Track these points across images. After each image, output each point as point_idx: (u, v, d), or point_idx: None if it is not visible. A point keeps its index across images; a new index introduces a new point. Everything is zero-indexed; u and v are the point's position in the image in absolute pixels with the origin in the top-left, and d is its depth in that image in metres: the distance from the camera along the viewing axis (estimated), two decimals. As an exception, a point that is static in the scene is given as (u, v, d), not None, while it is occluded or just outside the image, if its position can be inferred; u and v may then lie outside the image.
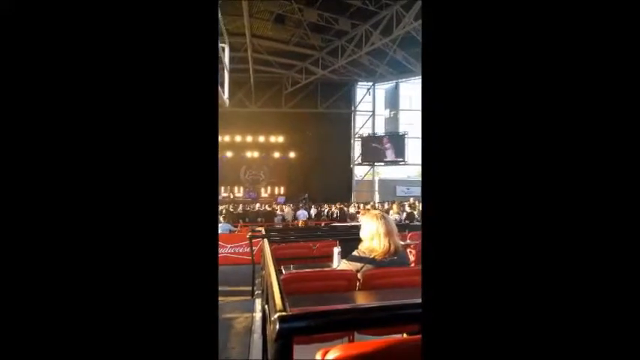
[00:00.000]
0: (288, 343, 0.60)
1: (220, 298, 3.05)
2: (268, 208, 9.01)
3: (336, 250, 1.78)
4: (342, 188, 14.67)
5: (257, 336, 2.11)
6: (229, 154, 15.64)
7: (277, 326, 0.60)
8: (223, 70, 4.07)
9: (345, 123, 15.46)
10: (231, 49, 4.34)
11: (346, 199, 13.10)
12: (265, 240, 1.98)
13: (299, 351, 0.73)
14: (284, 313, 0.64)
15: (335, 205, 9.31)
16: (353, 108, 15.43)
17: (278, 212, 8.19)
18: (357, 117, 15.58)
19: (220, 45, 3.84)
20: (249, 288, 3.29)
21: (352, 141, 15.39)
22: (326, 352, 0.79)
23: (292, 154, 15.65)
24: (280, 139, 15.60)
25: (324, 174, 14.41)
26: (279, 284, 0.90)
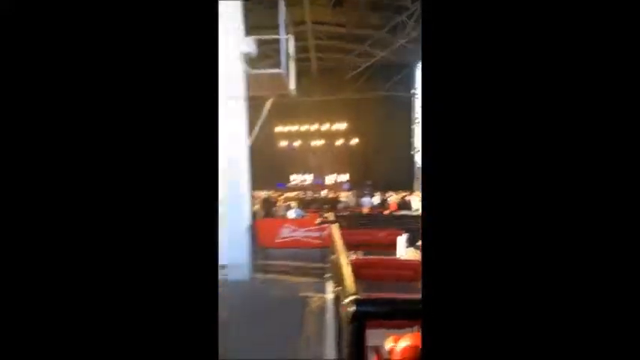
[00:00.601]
0: (361, 326, 0.63)
1: (295, 278, 3.29)
2: (334, 195, 9.17)
3: (402, 238, 1.74)
4: (403, 175, 14.09)
5: (330, 316, 2.21)
6: (297, 142, 16.33)
7: (351, 309, 0.63)
8: (289, 60, 4.21)
9: (405, 107, 14.65)
10: (295, 39, 4.45)
11: (408, 187, 12.56)
12: (334, 226, 2.04)
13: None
14: (358, 297, 0.66)
15: (397, 193, 9.03)
16: (413, 91, 14.49)
17: (342, 199, 8.28)
18: (417, 101, 14.58)
19: (286, 36, 3.98)
20: (320, 270, 3.45)
21: (412, 126, 14.50)
22: (397, 339, 0.80)
23: (355, 141, 15.52)
24: (343, 125, 15.58)
25: (386, 160, 14.01)
26: (350, 269, 0.93)
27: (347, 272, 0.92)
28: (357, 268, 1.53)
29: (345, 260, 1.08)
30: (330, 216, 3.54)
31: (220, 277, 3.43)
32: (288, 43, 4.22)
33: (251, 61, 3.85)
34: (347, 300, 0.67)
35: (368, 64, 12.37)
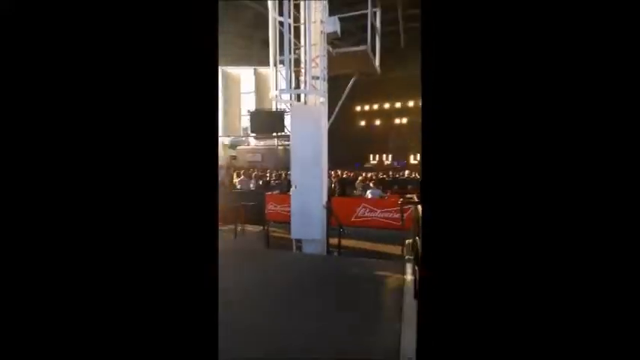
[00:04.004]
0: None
1: (370, 259, 3.32)
2: (418, 176, 8.72)
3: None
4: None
5: (409, 297, 2.18)
6: (378, 122, 15.91)
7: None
8: (375, 36, 4.05)
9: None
10: (381, 12, 4.21)
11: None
12: (419, 207, 1.96)
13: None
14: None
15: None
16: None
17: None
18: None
19: (372, 10, 3.81)
20: (398, 251, 3.40)
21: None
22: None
23: (443, 118, 14.26)
24: (430, 102, 14.45)
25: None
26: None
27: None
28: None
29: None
30: (414, 197, 3.40)
31: (295, 251, 3.70)
32: (375, 17, 4.04)
33: (335, 40, 3.83)
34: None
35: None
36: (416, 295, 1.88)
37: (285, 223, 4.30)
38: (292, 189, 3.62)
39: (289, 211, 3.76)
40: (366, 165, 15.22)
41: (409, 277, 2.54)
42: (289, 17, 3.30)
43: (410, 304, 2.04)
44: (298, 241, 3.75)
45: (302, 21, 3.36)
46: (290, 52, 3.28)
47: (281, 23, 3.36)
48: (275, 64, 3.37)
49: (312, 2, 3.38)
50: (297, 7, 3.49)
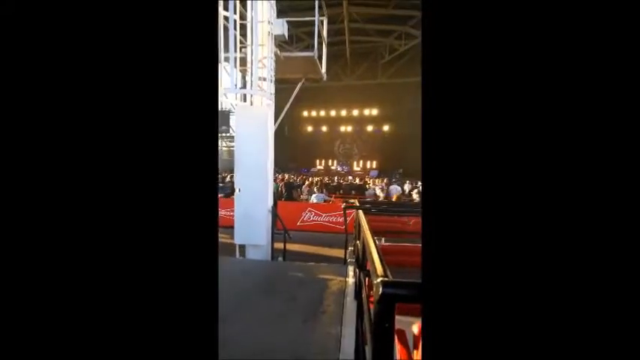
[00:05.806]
0: (391, 308, 0.62)
1: (314, 263, 3.34)
2: (360, 182, 9.10)
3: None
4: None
5: (350, 299, 2.23)
6: (324, 128, 16.21)
7: (380, 290, 0.62)
8: (322, 44, 4.12)
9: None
10: (328, 22, 4.32)
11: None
12: (360, 211, 2.02)
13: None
14: (387, 279, 0.65)
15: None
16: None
17: (370, 186, 8.19)
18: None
19: (320, 18, 3.88)
20: (341, 255, 3.47)
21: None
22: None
23: (386, 127, 15.19)
24: (374, 111, 15.26)
25: (419, 148, 13.67)
26: (378, 252, 0.92)
27: (375, 255, 0.90)
28: (384, 253, 1.50)
29: (372, 244, 1.07)
30: (356, 202, 3.53)
31: (238, 256, 3.57)
32: (322, 26, 4.12)
33: (283, 43, 3.81)
34: (376, 280, 0.66)
35: (407, 46, 11.90)
36: (356, 297, 1.93)
37: (228, 227, 4.10)
38: (236, 192, 3.47)
39: (233, 216, 3.59)
40: (313, 169, 15.41)
41: (350, 279, 2.61)
42: (235, 13, 3.19)
43: (350, 305, 2.09)
44: (242, 246, 3.60)
45: (249, 19, 3.27)
46: (236, 50, 3.17)
47: (226, 18, 3.23)
48: (220, 61, 3.21)
49: (259, 1, 3.32)
50: (244, 4, 3.39)
